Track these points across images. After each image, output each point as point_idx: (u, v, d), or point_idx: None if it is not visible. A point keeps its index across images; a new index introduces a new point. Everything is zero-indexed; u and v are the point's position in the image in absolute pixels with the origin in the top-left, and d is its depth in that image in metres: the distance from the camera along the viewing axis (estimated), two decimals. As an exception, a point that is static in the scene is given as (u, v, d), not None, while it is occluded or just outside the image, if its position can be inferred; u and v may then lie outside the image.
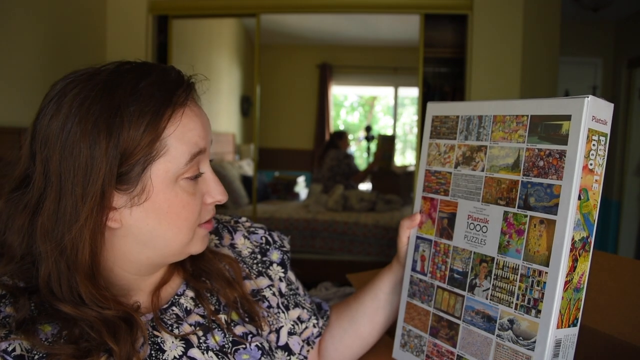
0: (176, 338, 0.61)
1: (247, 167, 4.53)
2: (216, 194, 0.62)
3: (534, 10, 3.11)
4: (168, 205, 0.57)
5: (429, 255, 0.69)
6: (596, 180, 0.53)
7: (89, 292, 0.54)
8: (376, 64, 4.68)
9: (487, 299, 0.60)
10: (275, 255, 0.79)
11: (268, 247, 0.79)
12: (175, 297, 0.66)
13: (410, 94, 4.73)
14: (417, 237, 0.72)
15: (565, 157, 0.53)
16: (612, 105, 0.54)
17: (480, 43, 3.12)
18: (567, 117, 0.53)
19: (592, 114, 0.52)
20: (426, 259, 0.70)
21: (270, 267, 0.77)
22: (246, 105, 4.64)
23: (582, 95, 0.52)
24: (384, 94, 5.06)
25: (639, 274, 0.95)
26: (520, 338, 0.55)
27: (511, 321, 0.57)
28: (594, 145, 0.52)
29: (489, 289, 0.60)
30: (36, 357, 0.51)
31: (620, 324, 0.79)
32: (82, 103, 0.53)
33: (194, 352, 0.61)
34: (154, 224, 0.57)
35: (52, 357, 0.51)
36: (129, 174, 0.54)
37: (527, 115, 0.57)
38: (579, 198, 0.52)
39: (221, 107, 4.44)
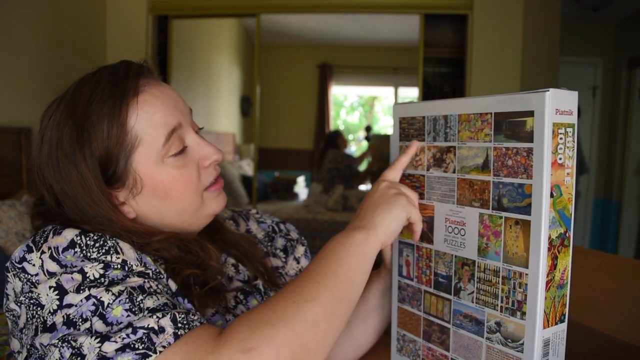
0: (228, 293, 0.67)
1: (247, 167, 4.53)
2: (210, 154, 0.65)
3: (534, 11, 3.11)
4: (163, 185, 0.61)
5: (413, 260, 0.68)
6: (568, 174, 0.52)
7: (164, 234, 0.62)
8: (376, 64, 4.68)
9: (472, 302, 0.59)
10: (279, 242, 0.84)
11: (274, 235, 0.84)
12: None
13: (410, 94, 4.73)
14: (400, 242, 0.71)
15: (532, 155, 0.51)
16: (575, 93, 0.51)
17: (480, 43, 3.12)
18: (530, 113, 0.51)
19: (555, 107, 0.50)
20: (411, 263, 0.69)
21: (276, 253, 0.82)
22: (246, 105, 4.64)
23: (542, 89, 0.50)
24: (384, 94, 5.05)
25: (637, 273, 0.95)
26: (509, 340, 0.55)
27: (498, 324, 0.56)
28: (561, 139, 0.50)
29: (473, 292, 0.59)
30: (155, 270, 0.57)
31: (619, 323, 0.79)
32: (57, 129, 0.59)
33: (241, 307, 0.68)
34: (159, 203, 0.62)
35: (172, 265, 0.59)
36: (115, 173, 0.59)
37: (491, 113, 0.55)
38: (552, 195, 0.51)
39: (221, 107, 4.45)
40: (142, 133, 0.59)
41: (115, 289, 0.50)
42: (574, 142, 0.52)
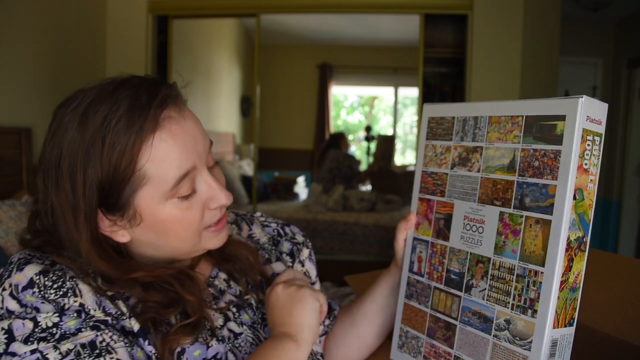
0: (216, 311, 0.66)
1: (247, 167, 4.53)
2: (220, 199, 0.61)
3: (534, 10, 3.11)
4: (163, 224, 0.58)
5: (425, 257, 0.69)
6: (591, 180, 0.53)
7: (144, 265, 0.60)
8: (376, 64, 4.68)
9: (483, 299, 0.60)
10: (285, 246, 0.83)
11: (279, 238, 0.83)
12: (210, 279, 0.70)
13: (411, 94, 4.73)
14: (414, 239, 0.72)
15: (560, 157, 0.53)
16: (606, 105, 0.54)
17: (480, 43, 3.12)
18: (562, 117, 0.53)
19: (587, 114, 0.52)
20: (423, 260, 0.70)
21: (281, 257, 0.81)
22: (246, 105, 4.64)
23: (576, 96, 0.52)
24: (384, 94, 5.05)
25: (636, 272, 0.96)
26: (517, 338, 0.55)
27: (507, 321, 0.57)
28: (588, 145, 0.52)
29: (485, 289, 0.60)
30: (123, 317, 0.56)
31: (618, 322, 0.79)
32: (65, 136, 0.55)
33: (231, 324, 0.66)
34: (155, 237, 0.60)
35: (144, 305, 0.57)
36: (117, 203, 0.57)
37: (522, 116, 0.57)
38: (574, 198, 0.52)
39: (221, 107, 4.45)
40: (151, 173, 0.55)
41: (64, 347, 0.49)
42: (600, 151, 0.54)
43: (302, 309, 0.62)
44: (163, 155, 0.55)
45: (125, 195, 0.56)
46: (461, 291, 0.63)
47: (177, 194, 0.57)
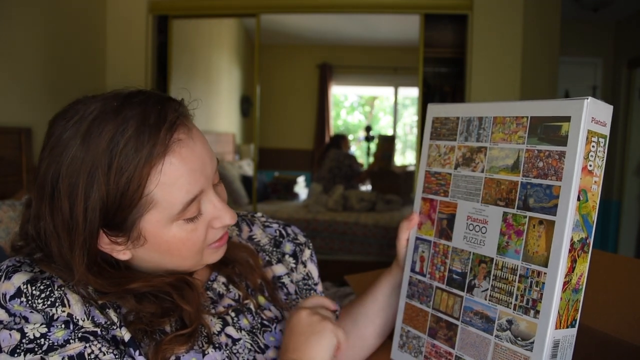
0: (214, 317, 0.65)
1: (247, 167, 4.53)
2: (224, 219, 0.61)
3: (534, 10, 3.12)
4: (167, 245, 0.58)
5: (428, 256, 0.69)
6: (595, 182, 0.53)
7: (141, 275, 0.59)
8: (376, 64, 4.68)
9: (485, 299, 0.60)
10: (287, 247, 0.82)
11: (282, 239, 0.82)
12: (209, 282, 0.69)
13: (411, 94, 4.74)
14: (417, 238, 0.72)
15: (564, 158, 0.53)
16: (611, 107, 0.54)
17: (480, 43, 3.12)
18: (567, 119, 0.53)
19: (592, 116, 0.52)
20: (425, 259, 0.70)
21: (284, 259, 0.80)
22: (246, 105, 4.64)
23: (581, 97, 0.52)
24: (384, 94, 5.06)
25: (636, 272, 0.95)
26: (519, 338, 0.55)
27: (510, 322, 0.57)
28: (593, 146, 0.52)
29: (487, 289, 0.60)
30: (114, 327, 0.55)
31: (618, 322, 0.79)
32: (65, 153, 0.53)
33: (229, 329, 0.65)
34: (158, 257, 0.59)
35: (136, 314, 0.56)
36: (121, 225, 0.55)
37: (527, 117, 0.57)
38: (578, 199, 0.52)
39: (221, 107, 4.45)
40: (158, 198, 0.54)
41: (52, 359, 0.49)
42: (604, 153, 0.54)
43: (318, 342, 0.61)
44: (172, 181, 0.54)
45: (130, 219, 0.55)
46: (463, 291, 0.63)
47: (183, 216, 0.57)
